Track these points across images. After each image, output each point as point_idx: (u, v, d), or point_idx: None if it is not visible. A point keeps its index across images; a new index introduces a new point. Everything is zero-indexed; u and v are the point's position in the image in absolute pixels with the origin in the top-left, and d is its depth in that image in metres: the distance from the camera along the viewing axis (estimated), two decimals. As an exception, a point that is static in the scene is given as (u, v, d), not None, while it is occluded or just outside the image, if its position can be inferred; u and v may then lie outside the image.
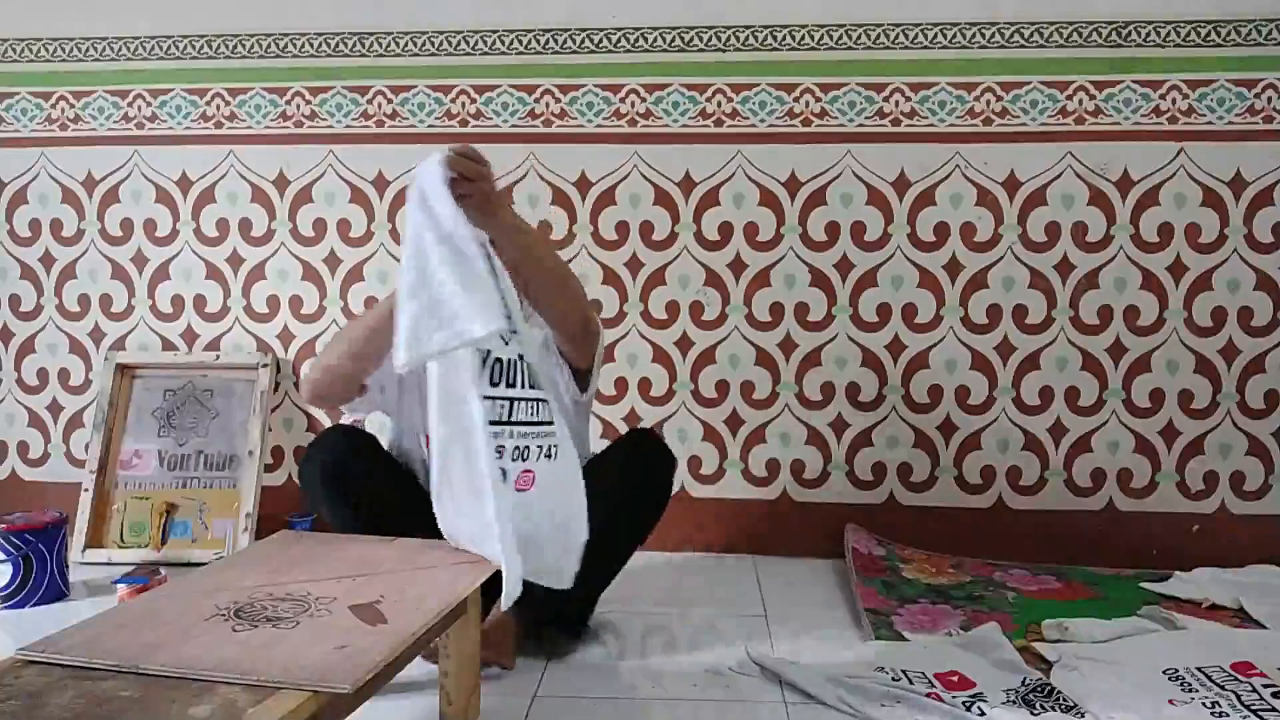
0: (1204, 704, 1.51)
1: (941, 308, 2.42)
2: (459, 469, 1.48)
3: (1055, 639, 1.81)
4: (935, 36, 2.36)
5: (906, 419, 2.45)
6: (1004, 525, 2.43)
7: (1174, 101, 2.37)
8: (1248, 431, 2.45)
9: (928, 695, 1.54)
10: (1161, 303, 2.43)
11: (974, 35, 2.36)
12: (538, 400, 1.54)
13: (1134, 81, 2.37)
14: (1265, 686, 1.55)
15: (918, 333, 2.43)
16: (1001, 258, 2.41)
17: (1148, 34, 2.35)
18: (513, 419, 1.51)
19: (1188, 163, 2.40)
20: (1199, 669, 1.63)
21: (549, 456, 1.55)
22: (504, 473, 1.46)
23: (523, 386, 1.53)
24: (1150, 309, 2.43)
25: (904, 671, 1.64)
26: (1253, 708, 1.49)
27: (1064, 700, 1.52)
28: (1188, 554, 2.38)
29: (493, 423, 1.46)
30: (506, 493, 1.45)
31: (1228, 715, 1.48)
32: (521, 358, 1.52)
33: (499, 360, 1.48)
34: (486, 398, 1.45)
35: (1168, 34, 2.35)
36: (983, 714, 1.49)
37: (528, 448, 1.52)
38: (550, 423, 1.56)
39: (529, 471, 1.52)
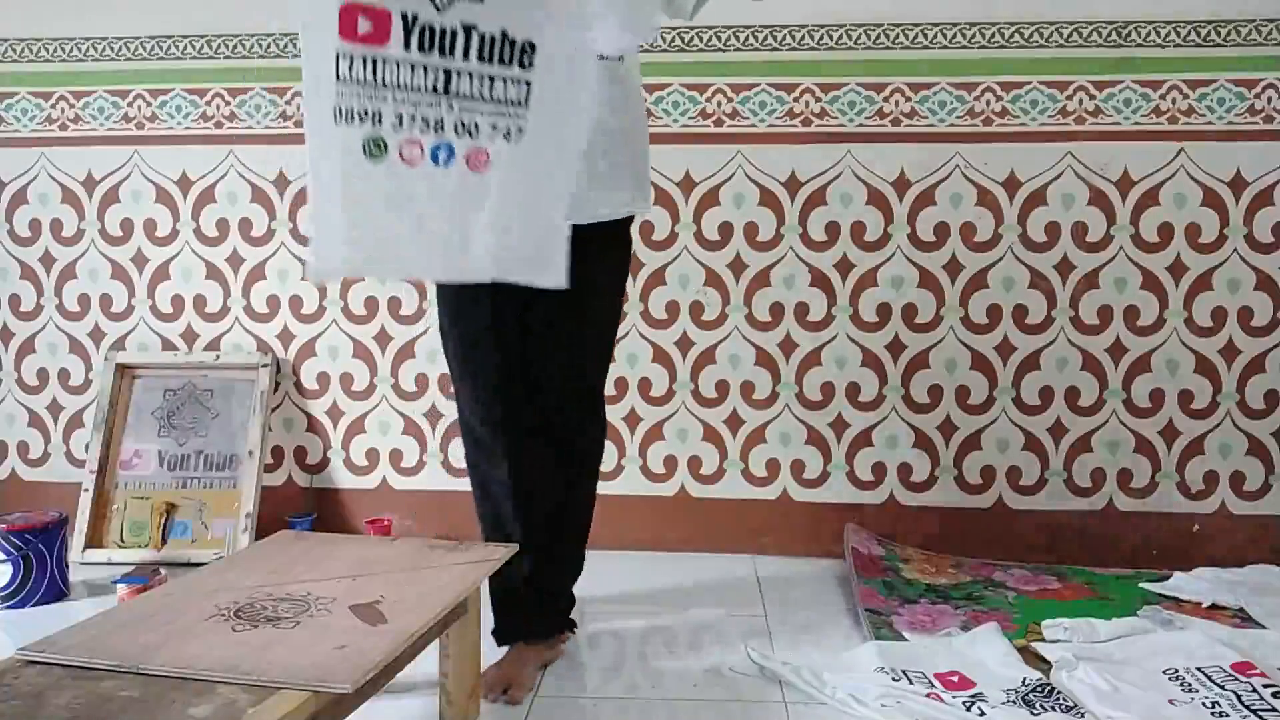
0: (1204, 704, 1.51)
1: (941, 308, 2.42)
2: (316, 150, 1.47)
3: (1055, 639, 1.81)
4: (935, 36, 2.36)
5: (906, 419, 2.45)
6: (1004, 525, 2.42)
7: (1174, 101, 2.37)
8: (1248, 431, 2.45)
9: (928, 695, 1.54)
10: (1161, 303, 2.43)
11: (974, 35, 2.36)
12: (499, 78, 1.49)
13: (1134, 81, 2.37)
14: (1265, 686, 1.55)
15: (918, 333, 2.43)
16: (1001, 258, 2.41)
17: (1148, 34, 2.35)
18: (451, 90, 1.48)
19: (1188, 163, 2.40)
20: (1199, 669, 1.63)
21: (507, 137, 1.50)
22: (431, 150, 1.46)
23: (466, 58, 1.47)
24: (1150, 309, 2.43)
25: (904, 671, 1.64)
26: (1253, 708, 1.49)
27: (1064, 700, 1.52)
28: (1188, 554, 2.38)
29: (411, 89, 1.45)
30: (426, 174, 1.46)
31: (1228, 715, 1.48)
32: (471, 29, 1.47)
33: (429, 28, 1.44)
34: (404, 63, 1.44)
35: (1168, 34, 2.35)
36: (983, 714, 1.49)
37: (475, 124, 1.49)
38: (518, 103, 1.51)
39: (480, 151, 1.50)
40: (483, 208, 1.52)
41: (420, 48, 1.44)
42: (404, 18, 1.42)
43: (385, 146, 1.47)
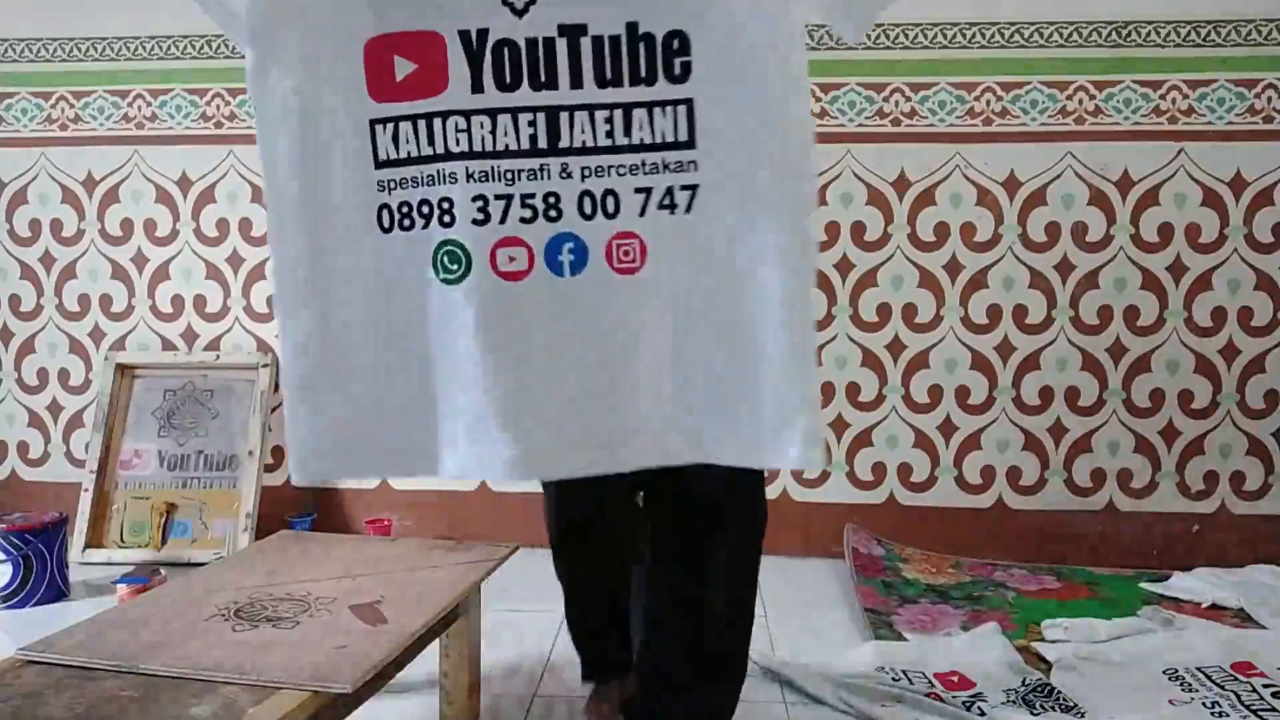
0: (1204, 704, 1.51)
1: (941, 308, 2.42)
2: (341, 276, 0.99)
3: (1055, 639, 1.81)
4: (935, 36, 2.36)
5: (906, 419, 2.44)
6: (1004, 525, 2.42)
7: (1174, 101, 2.37)
8: (1248, 431, 2.45)
9: (928, 695, 1.54)
10: (1161, 303, 2.43)
11: (974, 35, 2.36)
12: (639, 106, 0.94)
13: (1134, 81, 2.37)
14: (1265, 686, 1.55)
15: (918, 333, 2.43)
16: (1001, 258, 2.41)
17: (1148, 34, 2.35)
18: (561, 144, 0.95)
19: (1188, 163, 2.40)
20: (1199, 669, 1.63)
21: (670, 205, 0.96)
22: (545, 251, 0.94)
23: (578, 85, 0.94)
24: (1150, 309, 2.43)
25: (904, 671, 1.64)
26: (1253, 708, 1.49)
27: (1064, 700, 1.52)
28: (1188, 554, 2.39)
29: (495, 154, 0.94)
30: (565, 285, 0.95)
31: (1228, 715, 1.48)
32: (576, 33, 0.93)
33: (507, 49, 0.93)
34: (478, 115, 0.93)
35: (1168, 34, 2.35)
36: (983, 714, 1.49)
37: (611, 194, 0.96)
38: (679, 142, 0.95)
39: (628, 236, 0.96)
40: (641, 341, 0.98)
41: (500, 84, 0.93)
42: (465, 40, 0.93)
43: (466, 258, 0.96)
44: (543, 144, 0.94)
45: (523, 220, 0.95)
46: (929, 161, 2.39)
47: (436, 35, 0.93)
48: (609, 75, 0.93)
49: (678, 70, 0.94)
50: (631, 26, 0.94)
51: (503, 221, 0.95)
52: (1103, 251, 2.42)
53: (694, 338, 0.99)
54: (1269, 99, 2.37)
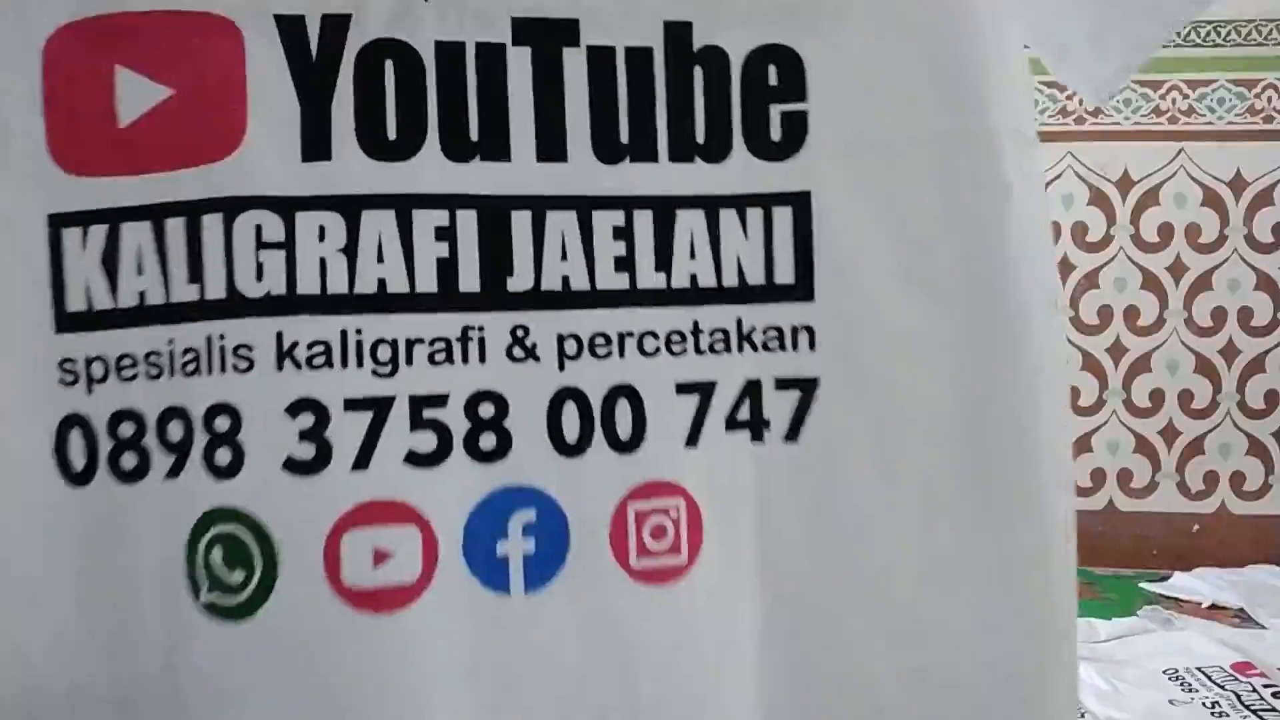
0: (1204, 704, 1.51)
1: (941, 308, 2.41)
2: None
3: (1055, 639, 1.81)
4: (935, 36, 2.36)
5: (906, 419, 2.44)
6: (1004, 525, 2.42)
7: (1174, 101, 2.37)
8: (1248, 431, 2.45)
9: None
10: (1161, 303, 2.42)
11: (974, 35, 2.36)
12: (712, 202, 0.43)
13: (1134, 81, 2.36)
14: (1265, 686, 1.55)
15: (918, 333, 2.42)
16: (1001, 258, 2.40)
17: (1148, 34, 2.34)
18: (520, 283, 0.41)
19: (1188, 163, 2.40)
20: (1199, 669, 1.63)
21: (756, 425, 0.44)
22: (464, 533, 0.41)
23: (553, 154, 0.42)
24: (1150, 309, 2.43)
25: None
26: (1253, 708, 1.49)
27: (1064, 700, 1.52)
28: (1188, 554, 2.38)
29: (356, 304, 0.40)
30: (525, 613, 0.41)
31: (1228, 715, 1.48)
32: (565, 32, 0.41)
33: (383, 48, 0.40)
34: (301, 203, 0.40)
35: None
36: (983, 714, 1.48)
37: (630, 395, 0.42)
38: (793, 290, 0.44)
39: (665, 490, 0.43)
40: None
41: (371, 139, 0.40)
42: (291, 38, 0.39)
43: (265, 554, 0.39)
44: (468, 282, 0.41)
45: (413, 460, 0.41)
46: (929, 161, 2.39)
47: (221, 22, 0.39)
48: (625, 135, 0.42)
49: (778, 131, 0.43)
50: (676, 33, 0.42)
51: (362, 464, 0.40)
52: (1103, 251, 2.41)
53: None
54: (1269, 99, 2.36)
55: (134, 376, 0.40)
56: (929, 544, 0.46)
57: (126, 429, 0.40)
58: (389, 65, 0.40)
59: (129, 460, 0.40)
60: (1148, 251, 2.42)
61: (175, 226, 0.40)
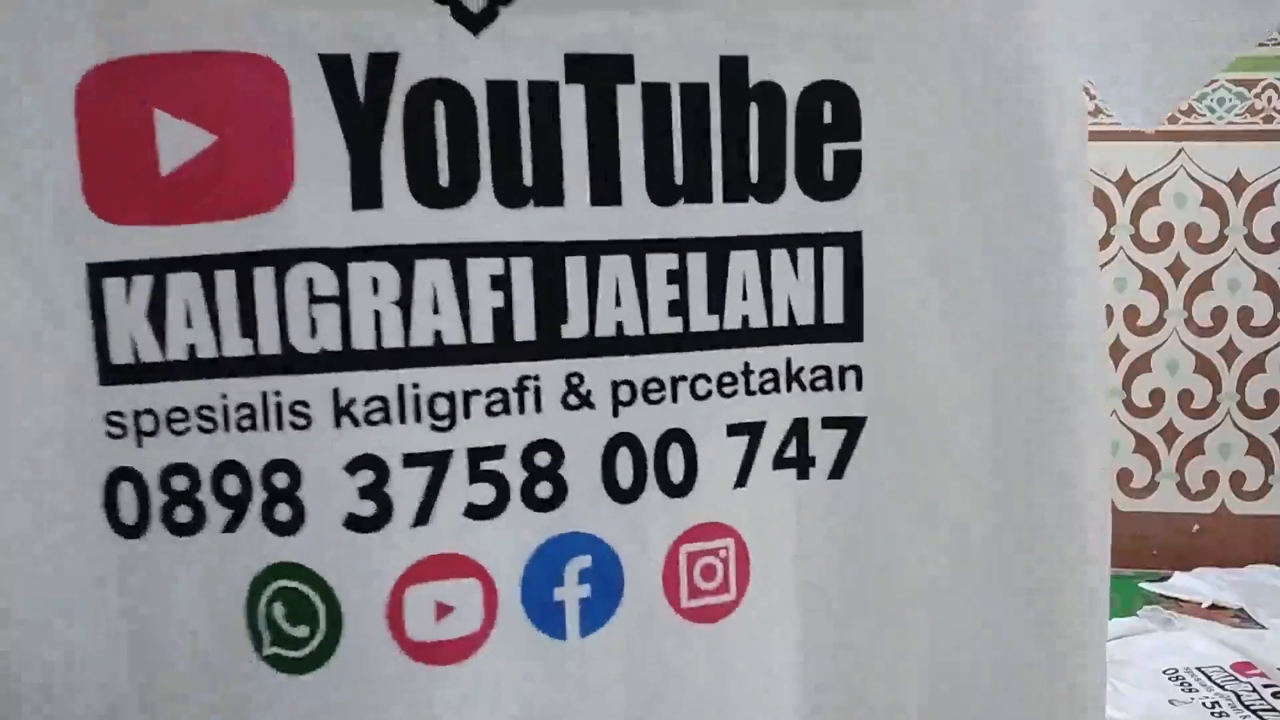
0: (1204, 704, 1.51)
1: (941, 308, 2.41)
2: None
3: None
4: (935, 36, 2.36)
5: (906, 419, 2.44)
6: (1004, 525, 2.42)
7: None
8: (1248, 431, 2.45)
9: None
10: (1161, 303, 2.42)
11: (974, 35, 2.36)
12: (765, 242, 0.43)
13: (1134, 81, 2.36)
14: (1265, 686, 1.55)
15: (918, 333, 2.42)
16: (1001, 258, 2.40)
17: (1148, 34, 2.34)
18: (574, 330, 0.42)
19: (1188, 163, 2.39)
20: (1199, 669, 1.63)
21: (802, 463, 0.46)
22: (522, 582, 0.42)
23: (608, 197, 0.41)
24: (1150, 309, 2.43)
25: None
26: (1253, 708, 1.49)
27: (1064, 700, 1.52)
28: (1188, 554, 2.38)
29: (411, 357, 0.40)
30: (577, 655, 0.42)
31: (1228, 715, 1.48)
32: (619, 68, 0.40)
33: (435, 88, 0.39)
34: (351, 255, 0.39)
35: (1168, 34, 2.34)
36: (983, 714, 1.48)
37: (682, 439, 0.43)
38: (841, 330, 0.44)
39: (716, 531, 0.44)
40: None
41: (423, 186, 0.39)
42: (337, 76, 0.38)
43: (330, 609, 0.40)
44: (524, 331, 0.42)
45: (472, 513, 0.42)
46: (929, 161, 2.39)
47: (265, 64, 0.37)
48: (680, 175, 0.42)
49: (830, 171, 0.43)
50: (733, 68, 0.41)
51: (423, 520, 0.41)
52: (1103, 251, 2.41)
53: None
54: (1269, 99, 2.36)
55: (186, 430, 0.40)
56: (964, 584, 0.47)
57: (180, 482, 0.41)
58: (439, 107, 0.39)
59: (183, 514, 0.41)
60: (1147, 251, 2.42)
61: (225, 279, 0.39)
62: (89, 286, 0.39)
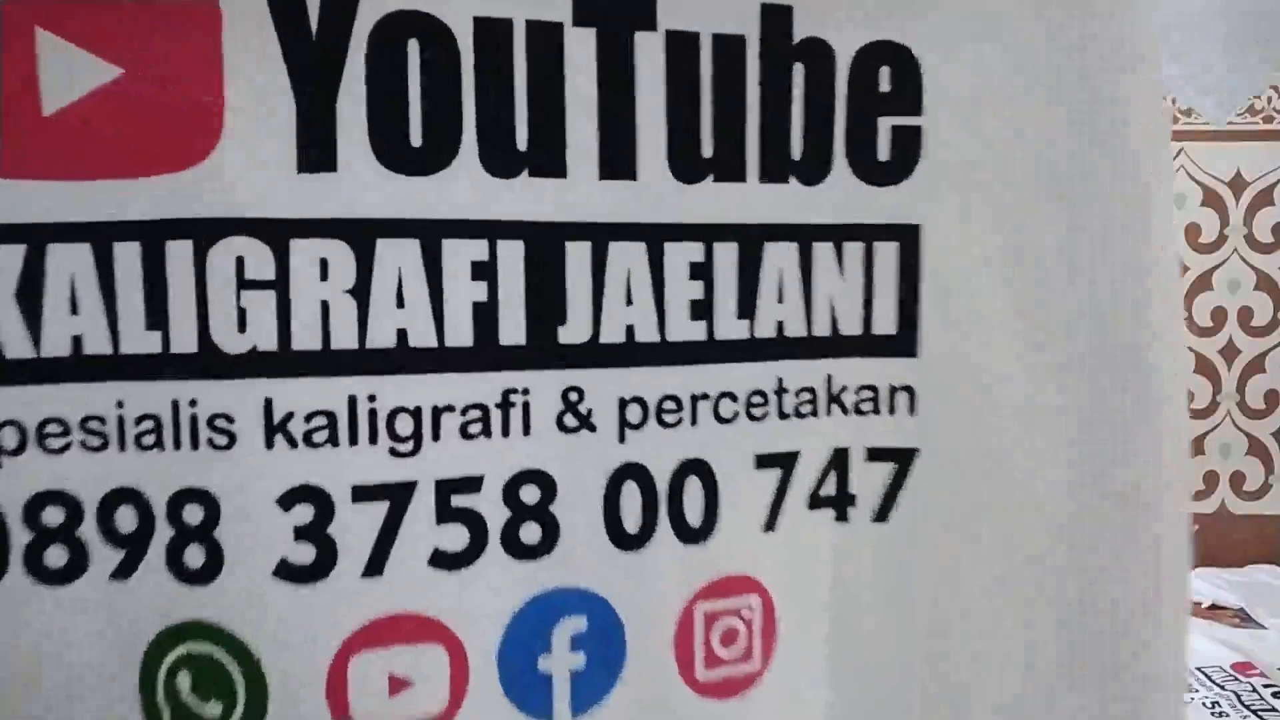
0: (1204, 704, 1.51)
1: (941, 308, 2.41)
2: None
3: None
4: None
5: (906, 419, 2.44)
6: (1004, 525, 2.42)
7: (1174, 101, 2.37)
8: (1248, 431, 2.45)
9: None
10: (1161, 303, 2.42)
11: (974, 35, 2.36)
12: (807, 233, 0.35)
13: (1134, 81, 2.36)
14: (1265, 686, 1.55)
15: (918, 333, 2.42)
16: (1001, 258, 2.40)
17: (1148, 34, 2.34)
18: (574, 334, 0.33)
19: (1188, 163, 2.39)
20: (1199, 669, 1.63)
21: (841, 502, 0.37)
22: (499, 649, 0.33)
23: (620, 169, 0.33)
24: (1150, 309, 2.42)
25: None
26: (1253, 708, 1.49)
27: (1064, 700, 1.52)
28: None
29: (367, 362, 0.31)
30: None
31: (1228, 715, 1.48)
32: (641, 11, 0.31)
33: (407, 20, 0.29)
34: (295, 226, 0.30)
35: (1168, 34, 2.34)
36: (983, 714, 1.49)
37: (700, 470, 0.34)
38: (894, 343, 0.36)
39: (740, 586, 0.36)
40: None
41: (388, 145, 0.31)
42: (286, 23, 0.28)
43: (252, 679, 0.30)
44: (511, 333, 0.33)
45: (439, 562, 0.33)
46: (929, 161, 2.39)
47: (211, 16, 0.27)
48: (709, 147, 0.34)
49: (886, 150, 0.36)
50: (775, 20, 0.33)
51: (375, 569, 0.32)
52: (1103, 251, 2.41)
53: None
54: (1269, 99, 2.36)
55: (64, 448, 0.30)
56: (1028, 642, 0.37)
57: (52, 515, 0.30)
58: (413, 47, 0.30)
59: (55, 555, 0.30)
60: (1148, 251, 2.42)
61: (127, 254, 0.29)
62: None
